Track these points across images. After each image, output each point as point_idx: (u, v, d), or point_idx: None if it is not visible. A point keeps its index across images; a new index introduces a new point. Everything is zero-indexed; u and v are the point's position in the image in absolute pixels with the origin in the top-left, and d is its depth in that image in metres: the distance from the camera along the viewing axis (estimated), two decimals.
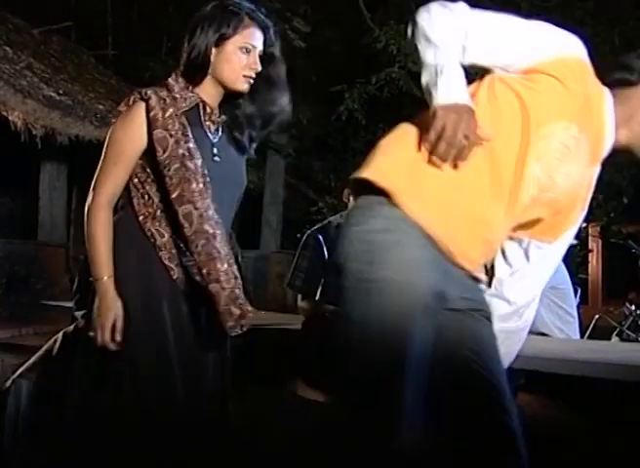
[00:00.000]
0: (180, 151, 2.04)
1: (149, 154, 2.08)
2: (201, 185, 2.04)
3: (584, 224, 8.85)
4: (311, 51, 10.11)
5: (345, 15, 9.44)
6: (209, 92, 2.17)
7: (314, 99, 11.50)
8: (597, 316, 6.66)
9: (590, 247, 9.88)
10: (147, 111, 2.07)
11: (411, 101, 8.90)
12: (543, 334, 3.11)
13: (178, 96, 2.12)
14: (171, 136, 2.05)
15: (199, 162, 2.06)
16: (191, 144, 2.06)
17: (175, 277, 2.07)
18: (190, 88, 2.15)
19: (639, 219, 9.63)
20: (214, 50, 2.11)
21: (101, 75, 10.30)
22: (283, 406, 2.39)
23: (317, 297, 3.65)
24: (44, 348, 2.77)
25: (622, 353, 2.71)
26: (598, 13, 7.79)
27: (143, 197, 2.11)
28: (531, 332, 3.09)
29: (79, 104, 8.25)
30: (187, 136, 2.07)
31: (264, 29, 2.17)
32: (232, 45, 2.11)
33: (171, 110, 2.07)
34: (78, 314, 2.91)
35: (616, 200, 8.42)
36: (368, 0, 8.29)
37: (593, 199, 6.95)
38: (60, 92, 8.16)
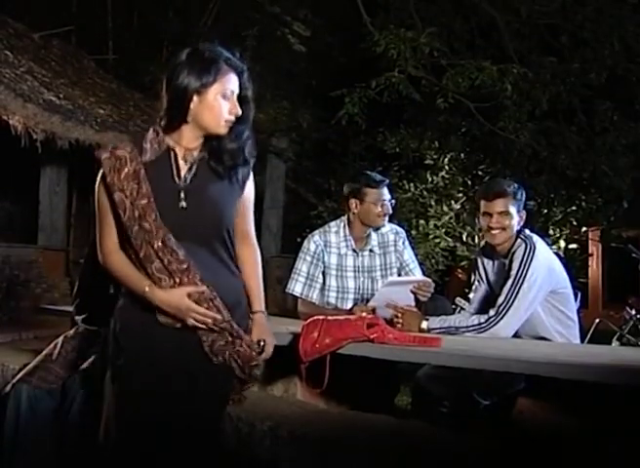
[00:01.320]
0: (137, 213, 2.13)
1: (116, 215, 2.18)
2: (160, 243, 2.12)
3: (585, 229, 8.86)
4: (311, 55, 10.13)
5: (345, 19, 9.45)
6: (187, 135, 2.22)
7: (314, 104, 11.53)
8: (597, 320, 6.66)
9: (590, 251, 9.89)
10: (104, 177, 2.20)
11: (411, 106, 8.92)
12: (544, 339, 3.11)
13: (148, 145, 2.21)
14: (126, 197, 2.15)
15: (152, 218, 2.13)
16: (144, 201, 2.13)
17: (161, 321, 2.16)
18: (162, 135, 2.22)
19: (639, 224, 9.64)
20: (195, 97, 2.17)
21: (102, 79, 10.31)
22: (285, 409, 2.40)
23: (316, 301, 3.66)
24: (44, 352, 2.78)
25: (623, 357, 2.70)
26: (598, 17, 7.79)
27: (126, 250, 2.20)
28: (531, 337, 3.11)
29: (79, 109, 8.26)
30: (142, 193, 2.14)
31: (240, 73, 2.23)
32: (213, 92, 2.17)
33: (126, 170, 2.16)
34: (78, 318, 2.92)
35: (616, 204, 8.42)
36: (368, 4, 8.28)
37: (593, 203, 6.89)
38: (61, 96, 8.17)
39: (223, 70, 2.19)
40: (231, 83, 2.20)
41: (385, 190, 3.66)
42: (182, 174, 2.20)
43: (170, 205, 2.16)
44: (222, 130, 2.20)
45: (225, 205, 2.23)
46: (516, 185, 3.25)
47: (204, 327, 2.12)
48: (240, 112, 2.20)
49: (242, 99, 2.23)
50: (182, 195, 2.17)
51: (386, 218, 3.68)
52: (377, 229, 3.71)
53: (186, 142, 2.22)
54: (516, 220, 3.17)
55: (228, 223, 2.24)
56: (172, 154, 2.21)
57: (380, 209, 3.62)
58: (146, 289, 2.12)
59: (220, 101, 2.17)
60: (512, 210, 3.17)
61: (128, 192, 2.14)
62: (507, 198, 3.18)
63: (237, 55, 2.26)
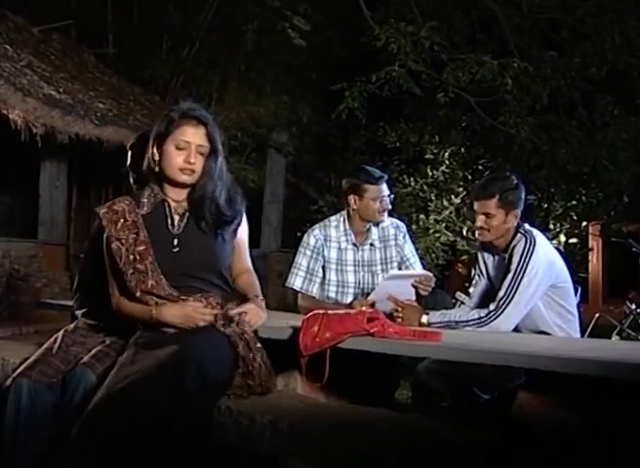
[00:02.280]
0: (131, 257, 2.41)
1: (114, 263, 2.46)
2: (153, 282, 2.40)
3: (585, 223, 8.86)
4: (312, 49, 10.11)
5: (346, 13, 9.43)
6: (169, 187, 2.50)
7: (314, 98, 11.52)
8: (597, 315, 6.67)
9: (591, 245, 9.88)
10: (103, 229, 2.49)
11: (411, 100, 8.92)
12: (544, 333, 3.11)
13: (145, 200, 2.52)
14: (122, 244, 2.43)
15: (149, 260, 2.41)
16: (142, 247, 2.42)
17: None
18: (157, 189, 2.52)
19: (639, 218, 9.64)
20: (157, 151, 2.46)
21: (102, 74, 10.30)
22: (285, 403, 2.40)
23: (316, 296, 3.66)
24: (44, 346, 2.78)
25: (623, 351, 2.70)
26: (599, 11, 7.78)
27: (124, 294, 2.47)
28: (531, 331, 3.11)
29: (79, 103, 8.25)
30: (140, 240, 2.43)
31: (204, 125, 2.45)
32: (168, 144, 2.43)
33: (122, 221, 2.45)
34: (78, 312, 2.93)
35: (616, 199, 8.42)
36: None
37: (594, 197, 6.89)
38: (61, 90, 8.16)
39: (177, 123, 2.43)
40: (185, 135, 2.43)
41: (385, 186, 3.65)
42: (176, 222, 2.49)
43: (165, 250, 2.45)
44: (180, 178, 2.45)
45: (214, 250, 2.51)
46: (512, 184, 3.17)
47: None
48: (192, 160, 2.42)
49: (211, 150, 2.46)
50: (176, 242, 2.46)
51: (386, 214, 3.68)
52: (377, 223, 3.71)
53: (173, 195, 2.51)
54: (503, 220, 3.13)
55: (221, 262, 2.53)
56: (166, 205, 2.50)
57: (378, 205, 3.61)
58: (153, 311, 2.39)
59: (173, 152, 2.43)
60: (498, 211, 3.12)
61: (124, 240, 2.43)
62: (492, 200, 3.13)
63: (199, 108, 2.49)
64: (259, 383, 2.40)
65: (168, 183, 2.50)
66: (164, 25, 11.46)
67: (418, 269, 3.70)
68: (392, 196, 3.74)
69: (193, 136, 2.43)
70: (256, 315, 2.46)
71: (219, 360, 2.29)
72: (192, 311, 2.36)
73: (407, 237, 3.80)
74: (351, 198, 3.64)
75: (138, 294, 2.40)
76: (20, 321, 7.13)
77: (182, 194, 2.51)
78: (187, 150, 2.42)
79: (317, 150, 12.14)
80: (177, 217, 2.50)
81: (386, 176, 3.70)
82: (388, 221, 3.77)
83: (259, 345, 2.43)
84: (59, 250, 9.42)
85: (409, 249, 3.77)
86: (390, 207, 3.68)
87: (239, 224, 2.59)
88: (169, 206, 2.50)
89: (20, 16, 9.70)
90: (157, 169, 2.47)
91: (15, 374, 2.63)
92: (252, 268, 2.70)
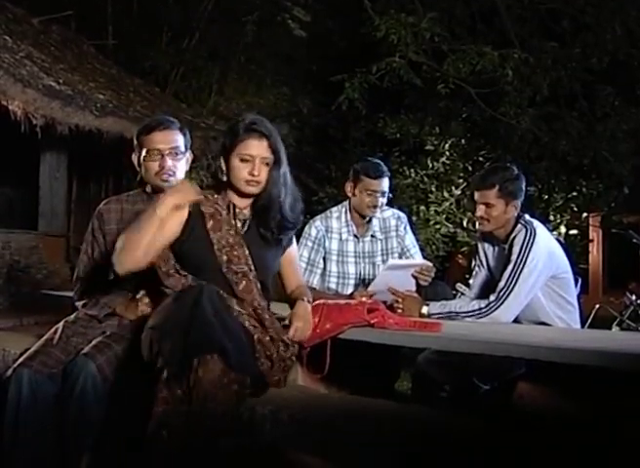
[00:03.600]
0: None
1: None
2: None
3: (585, 214, 8.86)
4: (312, 40, 10.08)
5: (346, 4, 9.39)
6: (235, 195, 2.60)
7: (314, 89, 11.49)
8: (598, 306, 6.67)
9: (591, 237, 9.88)
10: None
11: (411, 91, 8.90)
12: (544, 324, 3.12)
13: (220, 202, 2.62)
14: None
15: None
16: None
17: None
18: (223, 194, 2.62)
19: (639, 210, 9.64)
20: (223, 162, 2.58)
21: (102, 65, 10.26)
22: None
23: (317, 287, 3.66)
24: (45, 337, 2.78)
25: (623, 342, 2.71)
26: (599, 1, 7.75)
27: None
28: (531, 322, 3.12)
29: (79, 94, 8.21)
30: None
31: (267, 138, 2.53)
32: (234, 157, 2.54)
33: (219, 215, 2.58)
34: (78, 304, 2.93)
35: (616, 190, 8.41)
36: None
37: (594, 189, 6.91)
38: (60, 81, 8.13)
39: (241, 137, 2.53)
40: (248, 148, 2.52)
41: (382, 182, 3.62)
42: (239, 225, 2.60)
43: None
44: (246, 189, 2.55)
45: (270, 256, 2.65)
46: (513, 174, 3.17)
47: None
48: (257, 173, 2.51)
49: (275, 161, 2.54)
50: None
51: (377, 210, 3.65)
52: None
53: (238, 202, 2.61)
54: (503, 211, 3.13)
55: (273, 269, 2.68)
56: (231, 207, 2.60)
57: (368, 199, 3.60)
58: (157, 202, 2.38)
59: (238, 164, 2.53)
60: (498, 201, 3.13)
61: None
62: (492, 190, 3.13)
63: (262, 121, 2.57)
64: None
65: (234, 192, 2.60)
66: (164, 17, 11.41)
67: (418, 260, 3.70)
68: (390, 195, 3.72)
69: (257, 149, 2.52)
70: (300, 332, 2.55)
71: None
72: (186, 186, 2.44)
73: (408, 228, 3.80)
74: (347, 185, 3.67)
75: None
76: (21, 312, 7.11)
77: (246, 202, 2.61)
78: (252, 163, 2.52)
79: (317, 142, 12.10)
80: (239, 222, 2.61)
81: (387, 173, 3.67)
82: (390, 212, 3.77)
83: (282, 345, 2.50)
84: (59, 241, 9.41)
85: (410, 239, 3.77)
86: (380, 204, 3.64)
87: (291, 239, 2.74)
88: (234, 210, 2.61)
89: (20, 7, 9.66)
90: (225, 178, 2.58)
91: (15, 365, 2.63)
92: (305, 283, 2.93)
